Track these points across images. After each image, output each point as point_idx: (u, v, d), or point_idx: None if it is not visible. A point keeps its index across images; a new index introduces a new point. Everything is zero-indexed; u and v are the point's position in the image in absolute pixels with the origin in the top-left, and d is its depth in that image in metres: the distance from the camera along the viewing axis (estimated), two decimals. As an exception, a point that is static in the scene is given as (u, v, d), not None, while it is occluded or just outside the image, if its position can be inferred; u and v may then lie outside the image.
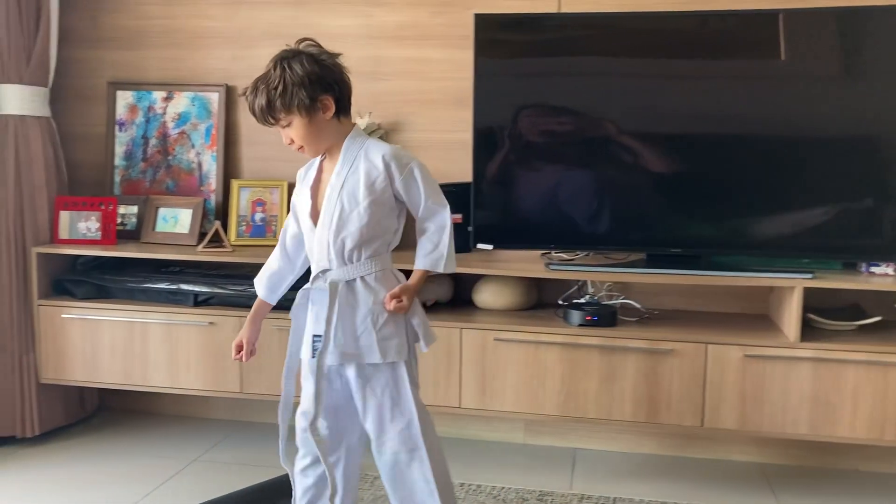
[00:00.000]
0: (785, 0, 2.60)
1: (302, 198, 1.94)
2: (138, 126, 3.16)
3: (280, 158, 3.00)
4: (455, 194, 2.76)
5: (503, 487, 2.61)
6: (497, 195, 2.72)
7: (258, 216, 3.00)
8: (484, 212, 2.72)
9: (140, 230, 3.05)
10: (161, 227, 3.01)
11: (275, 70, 1.80)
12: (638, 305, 2.82)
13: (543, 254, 2.87)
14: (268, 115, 1.82)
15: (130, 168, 3.17)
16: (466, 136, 2.75)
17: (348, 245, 1.84)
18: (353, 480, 2.04)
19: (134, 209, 3.10)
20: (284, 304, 1.99)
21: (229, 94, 3.08)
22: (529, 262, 2.77)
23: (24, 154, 2.89)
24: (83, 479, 2.65)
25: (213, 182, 3.10)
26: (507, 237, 2.76)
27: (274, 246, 2.06)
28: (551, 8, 2.86)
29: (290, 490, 2.03)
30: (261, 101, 1.80)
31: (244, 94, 1.85)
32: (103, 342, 2.85)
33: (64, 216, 2.95)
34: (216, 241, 2.88)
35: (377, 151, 1.86)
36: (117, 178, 3.18)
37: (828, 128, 2.53)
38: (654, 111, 2.61)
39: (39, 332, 2.89)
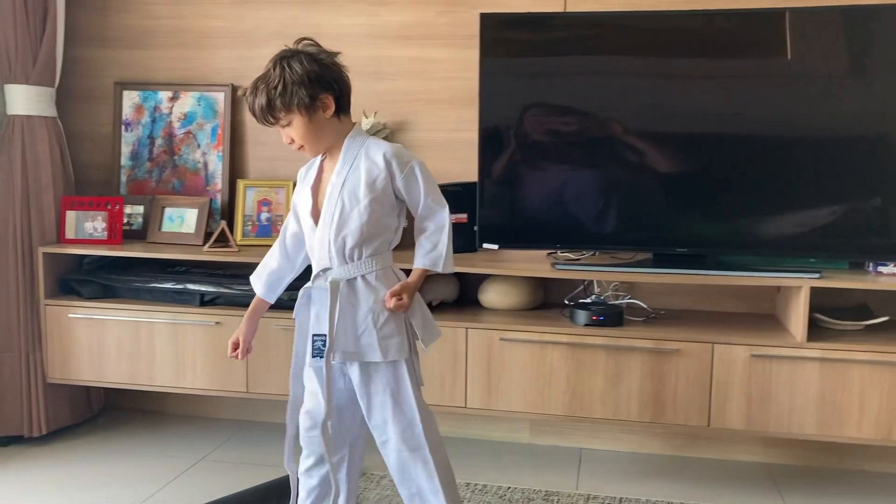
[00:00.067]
0: (791, -2, 2.60)
1: (303, 197, 1.94)
2: (144, 126, 3.17)
3: (286, 158, 3.00)
4: (460, 194, 2.77)
5: (509, 487, 2.60)
6: (503, 195, 2.72)
7: (264, 216, 3.01)
8: (489, 211, 2.72)
9: (146, 230, 3.06)
10: (167, 226, 3.02)
11: (274, 70, 1.81)
12: (644, 305, 2.81)
13: (549, 253, 2.86)
14: (268, 114, 1.82)
15: (136, 168, 3.18)
16: (472, 135, 2.75)
17: (349, 243, 1.84)
18: (355, 479, 2.04)
19: (140, 209, 3.10)
20: (286, 304, 1.99)
21: (235, 94, 3.08)
22: (535, 262, 2.76)
23: (31, 154, 2.89)
24: (89, 478, 2.66)
25: (218, 182, 3.11)
26: (513, 237, 2.76)
27: (278, 245, 2.06)
28: (557, 7, 2.85)
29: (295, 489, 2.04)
30: (261, 100, 1.81)
31: (244, 94, 1.86)
32: (109, 342, 2.86)
33: (70, 216, 2.96)
34: (222, 240, 2.88)
35: (378, 150, 1.86)
36: (123, 178, 3.18)
37: (835, 127, 2.51)
38: (659, 110, 2.60)
39: (46, 332, 2.90)
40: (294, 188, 2.95)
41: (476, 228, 2.75)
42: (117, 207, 2.97)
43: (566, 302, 2.85)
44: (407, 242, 2.01)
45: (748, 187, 2.57)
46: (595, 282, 2.86)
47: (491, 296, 2.79)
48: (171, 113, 3.15)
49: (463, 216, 2.82)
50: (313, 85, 1.81)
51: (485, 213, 2.72)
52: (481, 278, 2.81)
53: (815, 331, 2.52)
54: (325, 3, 3.03)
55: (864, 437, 2.44)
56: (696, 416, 2.52)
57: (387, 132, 2.96)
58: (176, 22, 3.15)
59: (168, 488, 2.59)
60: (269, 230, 2.98)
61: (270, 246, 2.07)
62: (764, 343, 2.48)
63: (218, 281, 2.84)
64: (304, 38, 1.88)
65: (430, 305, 2.74)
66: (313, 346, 1.90)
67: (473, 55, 2.71)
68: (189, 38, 3.15)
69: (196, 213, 2.99)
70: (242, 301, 2.78)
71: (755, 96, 2.54)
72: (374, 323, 1.85)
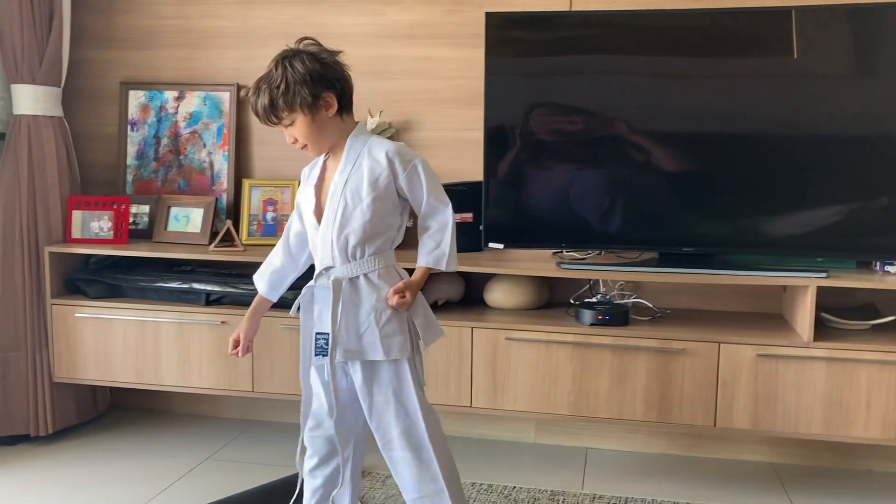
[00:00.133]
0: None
1: (306, 196, 1.95)
2: (150, 126, 3.18)
3: (291, 158, 3.00)
4: (466, 193, 2.77)
5: (514, 487, 2.60)
6: (508, 194, 2.72)
7: (269, 215, 3.01)
8: (495, 211, 2.71)
9: (152, 229, 3.06)
10: (173, 226, 3.02)
11: (276, 69, 1.82)
12: (650, 305, 2.80)
13: (555, 253, 2.86)
14: (271, 114, 1.83)
15: (142, 167, 3.18)
16: (477, 134, 2.75)
17: (351, 242, 1.84)
18: (357, 478, 2.04)
19: (146, 208, 3.11)
20: (290, 303, 1.99)
21: (240, 94, 3.09)
22: (541, 262, 2.76)
23: (37, 154, 2.90)
24: (95, 477, 2.67)
25: (224, 181, 3.11)
26: (519, 236, 2.75)
27: (283, 244, 2.06)
28: (563, 6, 2.85)
29: (300, 489, 2.04)
30: (263, 100, 1.81)
31: (247, 94, 1.86)
32: (116, 341, 2.86)
33: (76, 215, 2.97)
34: (228, 240, 2.89)
35: (380, 148, 1.87)
36: (129, 178, 3.19)
37: (841, 126, 2.50)
38: (665, 109, 2.59)
39: (52, 332, 2.90)
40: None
41: (481, 228, 2.75)
42: (123, 207, 2.98)
43: (572, 301, 2.85)
44: (411, 242, 2.01)
45: (754, 186, 2.56)
46: (601, 281, 2.86)
47: (496, 295, 2.79)
48: (176, 113, 3.16)
49: (468, 215, 2.82)
50: (315, 84, 1.81)
51: (490, 212, 2.71)
52: (487, 278, 2.81)
53: (822, 330, 2.51)
54: (331, 2, 3.04)
55: (871, 437, 2.43)
56: (703, 415, 2.51)
57: (392, 131, 2.96)
58: (181, 22, 3.15)
59: (174, 487, 2.60)
60: (274, 229, 2.99)
61: (276, 245, 2.07)
62: (770, 343, 2.47)
63: (224, 280, 2.84)
64: (306, 38, 1.88)
65: (435, 305, 2.75)
66: (316, 344, 1.90)
67: (479, 54, 2.71)
68: (194, 38, 3.15)
69: (202, 212, 3.00)
70: (248, 300, 2.74)
71: (761, 95, 2.53)
72: (377, 321, 1.85)
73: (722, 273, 2.54)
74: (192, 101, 3.14)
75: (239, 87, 3.09)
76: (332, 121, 1.86)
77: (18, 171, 2.87)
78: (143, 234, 3.08)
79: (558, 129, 2.67)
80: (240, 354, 2.04)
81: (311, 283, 1.91)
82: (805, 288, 2.46)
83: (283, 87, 1.79)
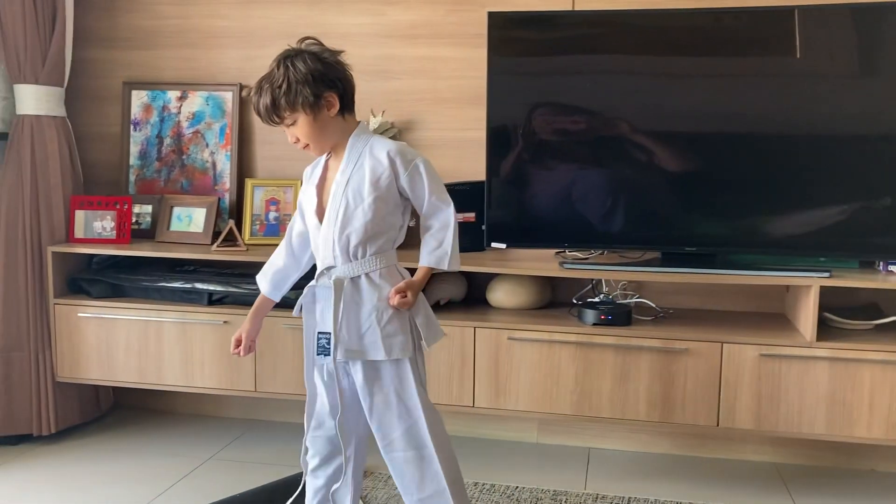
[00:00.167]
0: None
1: (308, 195, 1.95)
2: (153, 125, 3.18)
3: (294, 158, 3.00)
4: (468, 193, 2.77)
5: (517, 487, 2.60)
6: (511, 194, 2.71)
7: (272, 215, 3.01)
8: (497, 211, 2.71)
9: (155, 229, 3.07)
10: (175, 226, 3.03)
11: (278, 69, 1.82)
12: (652, 304, 2.80)
13: (557, 252, 2.86)
14: (273, 113, 1.83)
15: (145, 167, 3.19)
16: (480, 134, 2.75)
17: (353, 241, 1.84)
18: (359, 478, 2.04)
19: (148, 208, 3.11)
20: (293, 303, 1.99)
21: (242, 94, 3.09)
22: (543, 261, 2.75)
23: (40, 154, 2.90)
24: (98, 477, 2.67)
25: (227, 181, 3.11)
26: (521, 236, 2.75)
27: (286, 244, 2.06)
28: (565, 6, 2.85)
29: (303, 489, 2.04)
30: (265, 100, 1.81)
31: (249, 94, 1.86)
32: (118, 341, 2.86)
33: (79, 215, 2.97)
34: (230, 240, 2.89)
35: (382, 148, 1.86)
36: (132, 178, 3.19)
37: (844, 125, 2.50)
38: (668, 109, 2.59)
39: (55, 331, 2.91)
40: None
41: (484, 227, 2.75)
42: (126, 207, 2.98)
43: (574, 301, 2.85)
44: (412, 241, 2.01)
45: (757, 186, 2.56)
46: (603, 281, 2.85)
47: (499, 295, 2.78)
48: (179, 112, 3.16)
49: (471, 215, 2.82)
50: (317, 83, 1.81)
51: (493, 212, 2.71)
52: (489, 277, 2.81)
53: (825, 330, 2.51)
54: (332, 2, 3.04)
55: (875, 437, 2.42)
56: (705, 415, 2.51)
57: (394, 131, 2.96)
58: (183, 22, 3.16)
59: (176, 487, 2.60)
60: (277, 229, 2.99)
61: (279, 245, 2.07)
62: (773, 342, 2.46)
63: (226, 280, 2.84)
64: (308, 38, 1.88)
65: (437, 304, 2.75)
66: (318, 343, 1.90)
67: (481, 54, 2.71)
68: (196, 38, 3.15)
69: (204, 212, 3.00)
70: (251, 300, 2.74)
71: (764, 94, 2.52)
72: (378, 321, 1.85)
73: (725, 273, 2.53)
74: (195, 101, 3.14)
75: (241, 87, 3.09)
76: (333, 120, 1.86)
77: (21, 171, 2.88)
78: (146, 234, 3.08)
79: (561, 129, 2.67)
80: (241, 354, 2.04)
81: (313, 282, 1.91)
82: (808, 288, 2.45)
83: (284, 86, 1.79)
